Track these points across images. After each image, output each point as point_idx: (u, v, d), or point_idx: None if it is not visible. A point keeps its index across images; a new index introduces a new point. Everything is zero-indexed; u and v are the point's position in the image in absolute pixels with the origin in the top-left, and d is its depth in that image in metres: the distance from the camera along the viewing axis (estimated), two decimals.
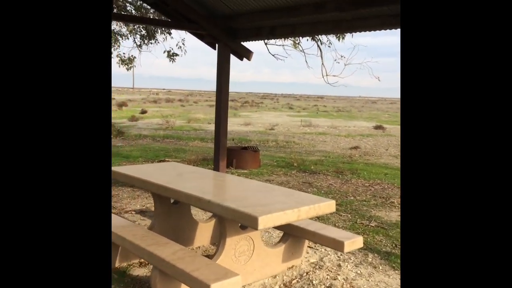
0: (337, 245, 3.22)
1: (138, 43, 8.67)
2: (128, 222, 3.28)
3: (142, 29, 8.59)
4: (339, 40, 8.46)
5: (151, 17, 8.06)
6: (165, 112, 25.92)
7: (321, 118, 27.11)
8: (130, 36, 8.74)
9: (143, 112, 23.94)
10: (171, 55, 8.91)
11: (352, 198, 6.09)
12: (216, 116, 5.68)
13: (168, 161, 8.45)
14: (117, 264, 3.34)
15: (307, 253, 3.87)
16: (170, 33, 9.00)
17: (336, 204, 5.83)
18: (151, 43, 8.73)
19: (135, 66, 8.89)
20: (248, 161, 8.23)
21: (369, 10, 4.08)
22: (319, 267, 3.57)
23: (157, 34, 8.84)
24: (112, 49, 8.60)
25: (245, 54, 5.69)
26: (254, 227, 2.53)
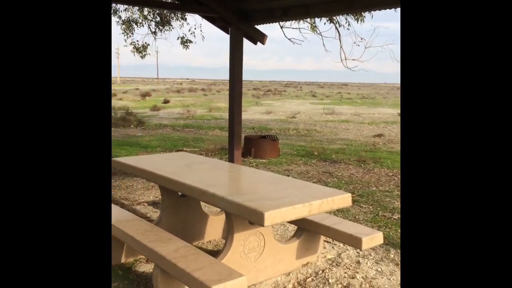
0: (354, 242, 2.98)
1: (153, 30, 8.49)
2: (133, 216, 3.13)
3: (156, 16, 8.41)
4: (357, 21, 8.07)
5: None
6: (187, 101, 25.91)
7: (344, 105, 26.56)
8: (145, 23, 8.57)
9: (166, 101, 23.98)
10: (185, 42, 8.70)
11: (374, 188, 5.81)
12: (229, 104, 5.47)
13: (185, 150, 8.32)
14: (123, 260, 3.20)
15: (324, 248, 3.65)
16: (185, 19, 8.79)
17: (357, 195, 5.59)
18: (166, 30, 8.54)
19: (149, 53, 8.73)
20: (267, 150, 8.02)
21: None
22: (336, 264, 3.35)
23: (172, 21, 8.65)
24: (126, 37, 8.46)
25: (259, 37, 5.44)
26: (260, 223, 2.33)
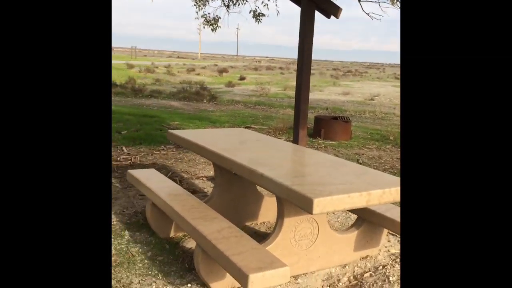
0: None
1: (226, 3, 8.32)
2: (183, 191, 3.03)
3: None
4: None
5: None
6: (264, 79, 25.80)
7: None
8: None
9: (242, 78, 24.08)
10: (257, 15, 8.43)
11: None
12: (297, 81, 5.18)
13: (253, 128, 8.21)
14: (172, 234, 3.14)
15: (388, 241, 3.31)
16: None
17: None
18: (241, 3, 8.32)
19: (220, 26, 8.59)
20: (338, 132, 7.63)
21: None
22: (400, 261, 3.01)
23: None
24: (197, 10, 8.39)
25: (332, 10, 5.04)
26: (309, 210, 2.08)
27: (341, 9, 5.13)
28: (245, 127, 8.20)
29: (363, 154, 6.47)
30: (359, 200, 2.20)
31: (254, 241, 2.31)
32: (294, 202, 2.22)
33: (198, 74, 27.49)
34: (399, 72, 51.66)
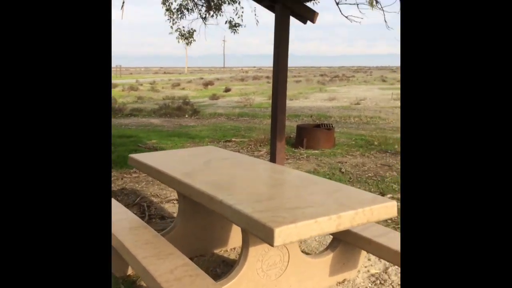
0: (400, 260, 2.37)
1: (203, 16, 8.09)
2: (140, 223, 2.74)
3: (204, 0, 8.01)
4: None
5: None
6: (249, 89, 25.60)
7: None
8: (195, 8, 8.20)
9: (227, 90, 23.87)
10: (233, 26, 8.21)
11: None
12: (273, 90, 4.95)
13: (234, 141, 7.95)
14: (129, 271, 2.84)
15: (368, 260, 3.05)
16: (238, 2, 8.27)
17: None
18: (219, 15, 8.10)
19: (195, 40, 8.35)
20: (320, 140, 7.41)
21: None
22: (380, 283, 2.75)
23: (224, 6, 8.19)
24: (172, 23, 8.15)
25: (308, 15, 4.83)
26: (270, 242, 1.82)
27: (317, 13, 4.93)
28: (226, 141, 7.95)
29: (346, 162, 6.24)
30: (328, 225, 1.94)
31: (211, 280, 2.03)
32: (253, 233, 1.96)
33: (183, 89, 27.21)
34: (386, 75, 51.77)
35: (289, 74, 58.81)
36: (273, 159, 4.94)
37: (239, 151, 7.22)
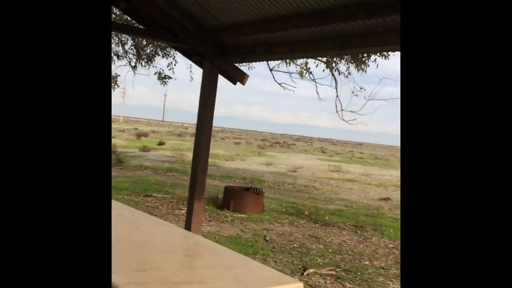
0: None
1: (133, 64, 7.67)
2: None
3: (133, 48, 7.63)
4: (358, 69, 7.09)
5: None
6: (185, 145, 24.97)
7: (354, 164, 25.14)
8: (125, 56, 7.75)
9: (161, 143, 23.06)
10: (163, 78, 7.82)
11: (367, 262, 4.60)
12: (194, 147, 4.47)
13: (155, 196, 7.20)
14: None
15: None
16: (173, 57, 7.94)
17: (344, 270, 4.29)
18: (147, 65, 7.71)
19: (118, 85, 7.83)
20: (249, 204, 6.88)
21: (385, 20, 2.79)
22: None
23: (156, 57, 7.81)
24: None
25: (238, 76, 4.50)
26: None
27: (248, 75, 4.62)
28: (145, 196, 7.19)
29: (272, 230, 5.70)
30: None
31: None
32: None
33: (113, 137, 26.02)
34: (326, 146, 53.31)
35: (230, 135, 58.93)
36: (188, 221, 4.32)
37: (157, 208, 6.48)
